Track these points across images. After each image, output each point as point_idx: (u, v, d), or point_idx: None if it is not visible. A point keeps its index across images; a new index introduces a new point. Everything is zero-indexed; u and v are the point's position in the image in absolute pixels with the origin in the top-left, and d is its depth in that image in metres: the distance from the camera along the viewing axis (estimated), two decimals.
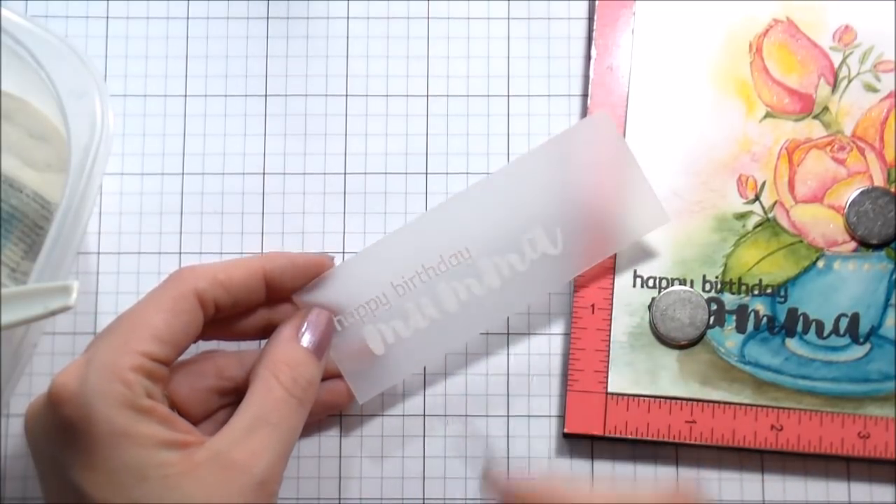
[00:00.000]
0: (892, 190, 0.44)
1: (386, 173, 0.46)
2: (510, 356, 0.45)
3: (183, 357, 0.38)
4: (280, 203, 0.46)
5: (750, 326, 0.44)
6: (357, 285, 0.41)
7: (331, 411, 0.43)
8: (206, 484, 0.34)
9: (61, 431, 0.34)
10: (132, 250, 0.45)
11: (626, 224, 0.42)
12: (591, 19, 0.46)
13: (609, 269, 0.44)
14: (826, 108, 0.45)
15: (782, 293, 0.44)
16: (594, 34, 0.46)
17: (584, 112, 0.46)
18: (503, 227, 0.42)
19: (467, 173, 0.46)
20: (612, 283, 0.44)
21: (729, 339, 0.44)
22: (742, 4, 0.46)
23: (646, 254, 0.44)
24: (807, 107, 0.45)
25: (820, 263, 0.44)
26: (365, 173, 0.46)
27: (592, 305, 0.44)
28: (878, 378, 0.44)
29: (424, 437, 0.44)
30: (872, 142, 0.45)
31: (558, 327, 0.45)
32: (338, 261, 0.45)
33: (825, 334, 0.44)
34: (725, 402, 0.43)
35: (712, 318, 0.44)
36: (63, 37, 0.40)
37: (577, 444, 0.44)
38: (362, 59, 0.47)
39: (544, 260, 0.42)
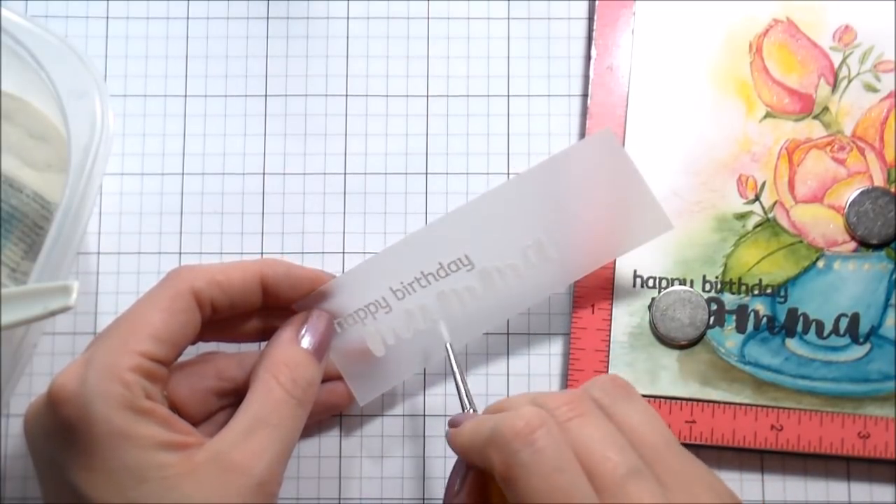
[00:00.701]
0: (892, 190, 0.44)
1: (386, 173, 0.46)
2: (510, 356, 0.45)
3: (183, 358, 0.38)
4: (280, 203, 0.46)
5: (750, 326, 0.44)
6: (357, 289, 0.41)
7: (331, 412, 0.43)
8: (206, 485, 0.34)
9: (61, 432, 0.34)
10: (132, 250, 0.45)
11: (630, 233, 0.42)
12: (591, 19, 0.46)
13: (609, 269, 0.44)
14: (826, 108, 0.45)
15: (782, 293, 0.44)
16: (594, 34, 0.46)
17: (584, 112, 0.46)
18: (504, 238, 0.41)
19: (467, 173, 0.46)
20: (612, 283, 0.44)
21: (729, 339, 0.44)
22: (742, 4, 0.46)
23: (646, 254, 0.44)
24: (807, 107, 0.45)
25: (820, 263, 0.44)
26: (365, 173, 0.46)
27: (592, 305, 0.44)
28: (878, 378, 0.44)
29: (424, 437, 0.44)
30: (872, 142, 0.45)
31: (558, 327, 0.45)
32: (338, 266, 0.45)
33: (825, 334, 0.44)
34: (725, 402, 0.43)
35: (712, 318, 0.44)
36: (63, 37, 0.40)
37: None
38: (362, 59, 0.47)
39: (545, 265, 0.42)
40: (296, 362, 0.38)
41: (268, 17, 0.47)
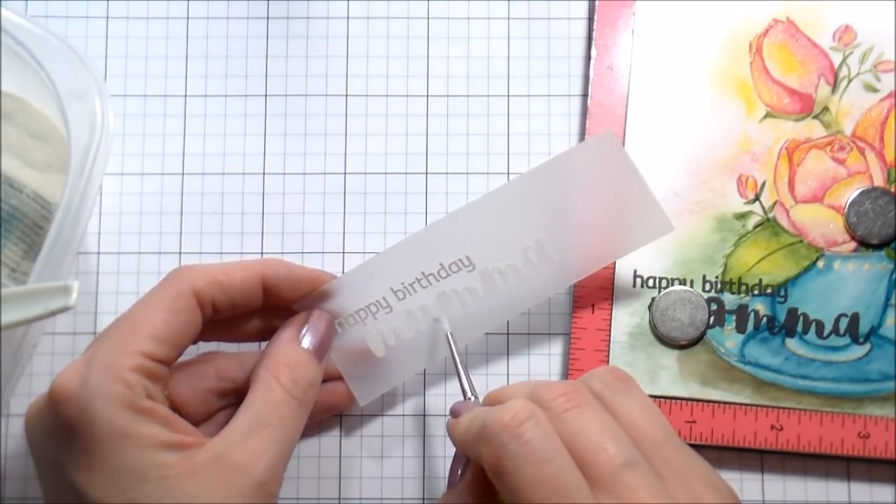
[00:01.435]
0: (892, 190, 0.44)
1: (386, 173, 0.46)
2: (510, 356, 0.45)
3: (183, 358, 0.38)
4: (280, 203, 0.46)
5: (750, 326, 0.44)
6: (358, 290, 0.41)
7: (331, 412, 0.43)
8: (207, 485, 0.34)
9: (61, 432, 0.34)
10: (132, 250, 0.45)
11: (630, 234, 0.42)
12: (591, 19, 0.46)
13: (609, 269, 0.44)
14: (826, 108, 0.45)
15: (782, 293, 0.44)
16: (594, 34, 0.46)
17: (584, 112, 0.46)
18: (505, 239, 0.41)
19: (467, 173, 0.46)
20: (612, 283, 0.44)
21: (729, 339, 0.44)
22: (742, 4, 0.46)
23: (646, 254, 0.44)
24: (807, 107, 0.45)
25: (820, 263, 0.44)
26: (365, 173, 0.46)
27: (592, 305, 0.44)
28: (878, 378, 0.44)
29: (424, 437, 0.44)
30: (872, 142, 0.45)
31: (558, 327, 0.45)
32: (338, 266, 0.45)
33: (825, 334, 0.44)
34: (725, 402, 0.43)
35: (712, 318, 0.44)
36: (63, 37, 0.40)
37: None
38: (362, 59, 0.47)
39: (546, 266, 0.42)
40: (296, 362, 0.38)
41: (268, 17, 0.47)
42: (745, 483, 0.44)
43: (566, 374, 0.44)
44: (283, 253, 0.45)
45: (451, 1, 0.47)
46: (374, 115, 0.46)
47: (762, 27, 0.46)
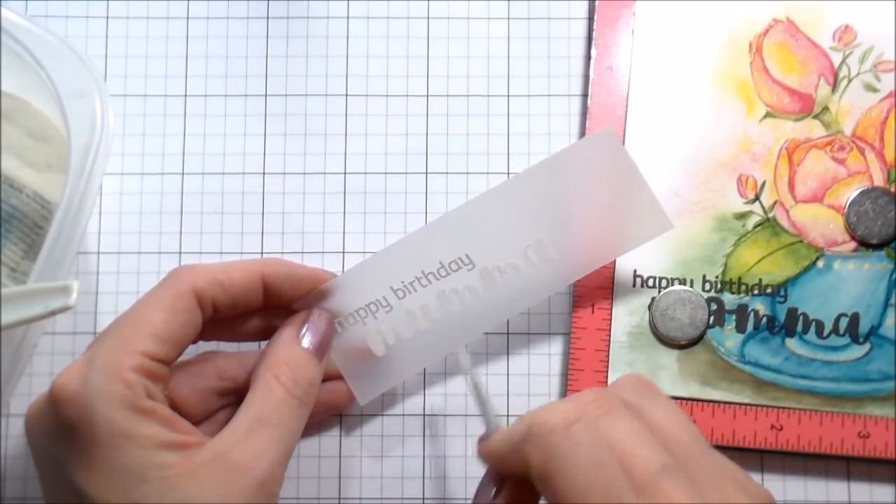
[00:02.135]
0: (892, 190, 0.45)
1: (386, 173, 0.46)
2: (510, 356, 0.45)
3: (183, 358, 0.38)
4: (280, 203, 0.46)
5: (750, 326, 0.44)
6: (357, 289, 0.41)
7: (331, 412, 0.43)
8: (207, 485, 0.34)
9: (62, 432, 0.34)
10: (132, 250, 0.45)
11: (630, 233, 0.42)
12: (591, 19, 0.46)
13: (609, 268, 0.44)
14: (826, 108, 0.45)
15: (782, 293, 0.44)
16: (594, 34, 0.46)
17: (584, 112, 0.46)
18: (504, 237, 0.41)
19: (467, 173, 0.46)
20: (612, 283, 0.44)
21: (729, 338, 0.44)
22: (742, 4, 0.46)
23: (646, 254, 0.44)
24: (807, 107, 0.45)
25: (820, 263, 0.44)
26: (365, 173, 0.46)
27: (592, 305, 0.44)
28: (877, 378, 0.44)
29: (424, 437, 0.44)
30: (872, 142, 0.45)
31: (558, 327, 0.45)
32: (338, 266, 0.45)
33: (825, 334, 0.44)
34: (725, 402, 0.43)
35: (712, 318, 0.44)
36: (63, 37, 0.40)
37: None
38: (362, 59, 0.47)
39: (546, 265, 0.42)
40: (297, 362, 0.38)
41: (268, 17, 0.47)
42: None
43: (566, 373, 0.44)
44: (283, 253, 0.45)
45: (451, 1, 0.47)
46: (374, 114, 0.46)
47: (762, 27, 0.46)
